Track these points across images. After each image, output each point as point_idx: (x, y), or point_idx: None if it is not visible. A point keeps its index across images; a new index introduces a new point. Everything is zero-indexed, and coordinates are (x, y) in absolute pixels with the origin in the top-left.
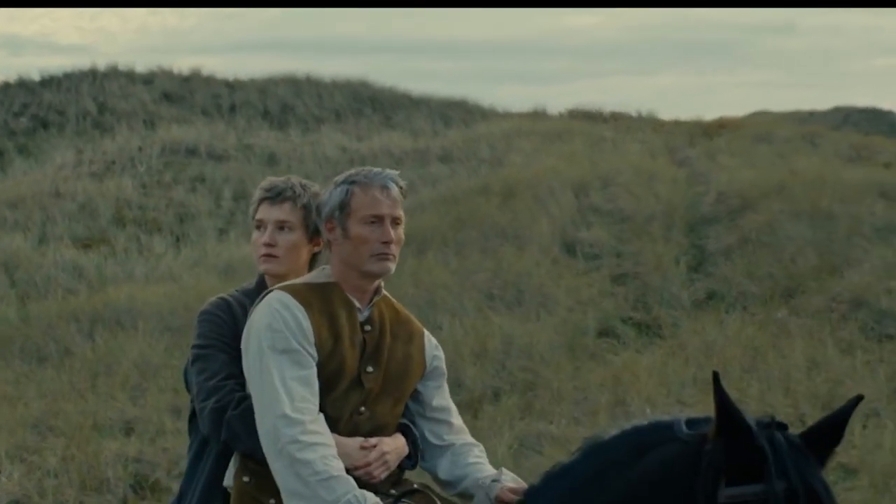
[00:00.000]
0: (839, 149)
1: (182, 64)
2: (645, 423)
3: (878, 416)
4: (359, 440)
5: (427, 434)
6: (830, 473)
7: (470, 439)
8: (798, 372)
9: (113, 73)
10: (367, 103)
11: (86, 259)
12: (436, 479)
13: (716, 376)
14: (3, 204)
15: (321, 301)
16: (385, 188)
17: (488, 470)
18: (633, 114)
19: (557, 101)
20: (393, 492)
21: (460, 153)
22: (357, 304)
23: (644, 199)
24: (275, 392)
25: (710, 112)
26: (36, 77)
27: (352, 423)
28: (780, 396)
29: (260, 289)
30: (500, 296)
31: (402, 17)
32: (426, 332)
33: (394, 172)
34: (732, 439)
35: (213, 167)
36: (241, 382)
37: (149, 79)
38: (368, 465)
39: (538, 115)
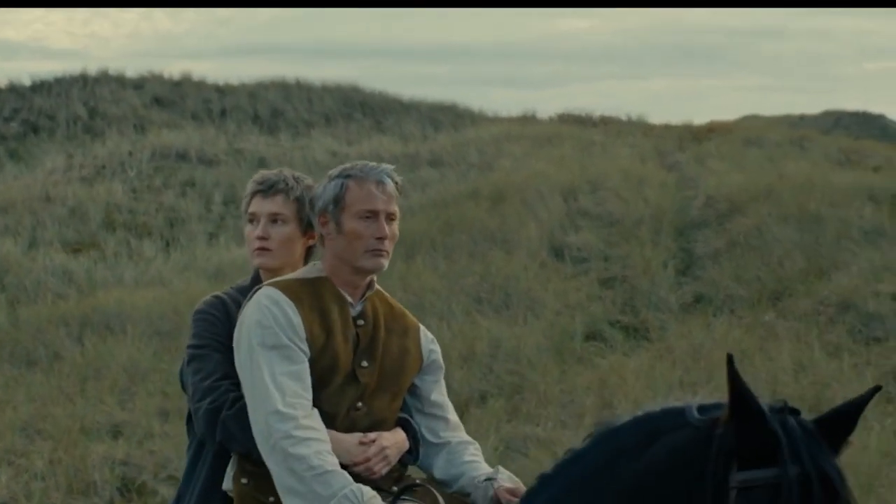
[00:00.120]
0: (829, 152)
1: (174, 69)
2: (657, 409)
3: (864, 418)
4: (357, 436)
5: (423, 431)
6: None
7: (465, 437)
8: (785, 375)
9: (103, 78)
10: (358, 108)
11: (75, 263)
12: (431, 477)
13: (730, 359)
14: None
15: (312, 296)
16: (380, 183)
17: (484, 468)
18: (623, 118)
19: (549, 105)
20: (395, 489)
21: (450, 157)
22: (349, 299)
23: (633, 202)
24: (266, 388)
25: (701, 116)
26: (27, 82)
27: (349, 418)
28: (766, 398)
29: (254, 285)
30: (487, 299)
31: (394, 21)
32: (421, 327)
33: (389, 167)
34: (745, 423)
35: (204, 172)
36: (237, 382)
37: (139, 84)
38: (368, 460)
39: (528, 120)
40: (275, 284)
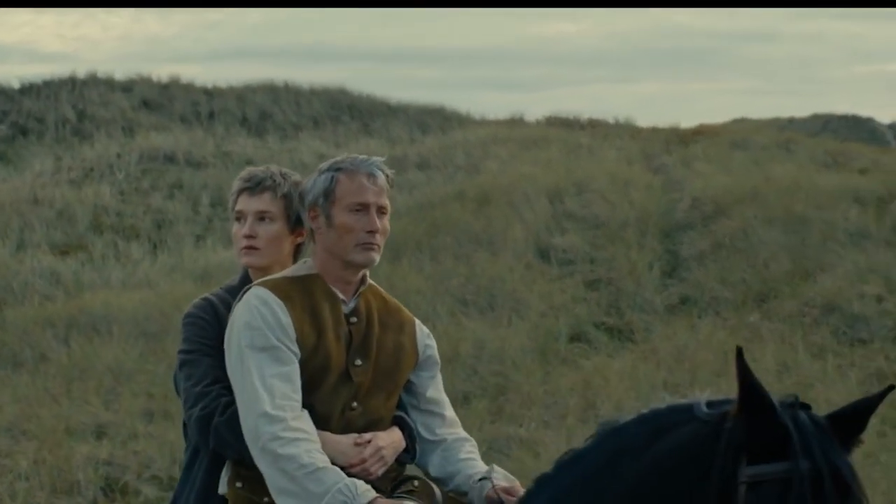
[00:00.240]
0: (815, 155)
1: (164, 71)
2: (663, 406)
3: None
4: (352, 436)
5: (420, 428)
6: None
7: (462, 433)
8: (769, 376)
9: (92, 81)
10: (345, 111)
11: (63, 266)
12: (427, 475)
13: (739, 352)
14: None
15: (302, 294)
16: (371, 175)
17: (480, 466)
18: (611, 121)
19: (539, 108)
20: (397, 494)
21: (437, 160)
22: (341, 296)
23: (619, 205)
24: (255, 391)
25: (691, 119)
26: (16, 85)
27: (344, 419)
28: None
29: (244, 284)
30: (473, 301)
31: (384, 24)
32: (417, 321)
33: (380, 159)
34: (755, 416)
35: (191, 174)
36: (228, 386)
37: (128, 86)
38: (364, 461)
39: (515, 123)
40: (264, 284)
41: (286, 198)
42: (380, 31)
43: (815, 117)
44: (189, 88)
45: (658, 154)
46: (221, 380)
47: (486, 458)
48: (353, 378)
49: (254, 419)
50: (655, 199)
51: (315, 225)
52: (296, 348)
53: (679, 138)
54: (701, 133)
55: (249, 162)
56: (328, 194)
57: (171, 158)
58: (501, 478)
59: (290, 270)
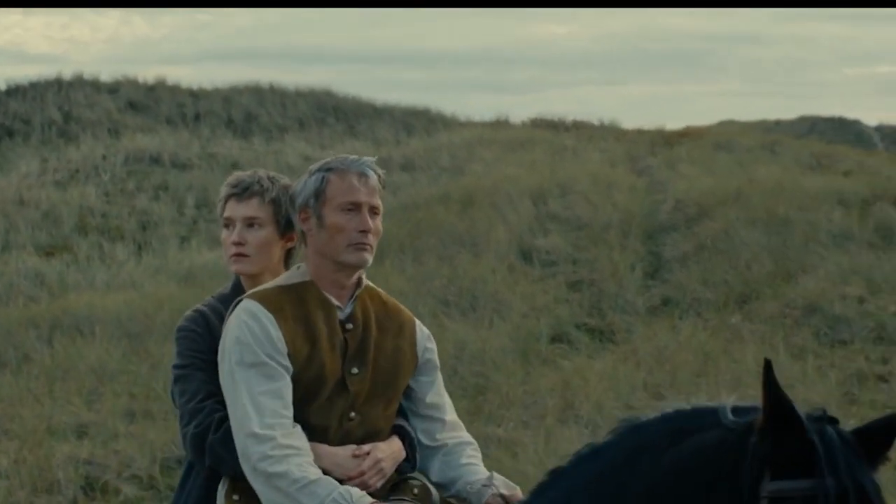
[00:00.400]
0: (800, 157)
1: (152, 73)
2: (687, 407)
3: None
4: (350, 448)
5: (419, 434)
6: None
7: (464, 437)
8: (749, 376)
9: (78, 83)
10: (331, 112)
11: (48, 267)
12: (429, 480)
13: (767, 364)
14: None
15: (295, 304)
16: (363, 175)
17: (480, 472)
18: (596, 123)
19: (526, 110)
20: (392, 497)
21: (422, 162)
22: (336, 302)
23: (602, 206)
24: (243, 410)
25: (680, 122)
26: (2, 86)
27: (342, 430)
28: (729, 400)
29: (235, 292)
30: (455, 302)
31: (376, 26)
32: (417, 322)
33: (371, 159)
34: (781, 430)
35: (177, 175)
36: (221, 400)
37: (114, 88)
38: (362, 474)
39: (500, 125)
40: (254, 296)
41: (274, 203)
42: (371, 32)
43: (802, 119)
44: (175, 90)
45: (642, 156)
46: (215, 394)
47: None
48: (349, 387)
49: (243, 439)
50: (639, 201)
51: (306, 227)
52: (287, 362)
53: (664, 140)
54: (686, 135)
55: (235, 164)
56: (319, 195)
57: (156, 160)
58: (502, 485)
59: (283, 278)
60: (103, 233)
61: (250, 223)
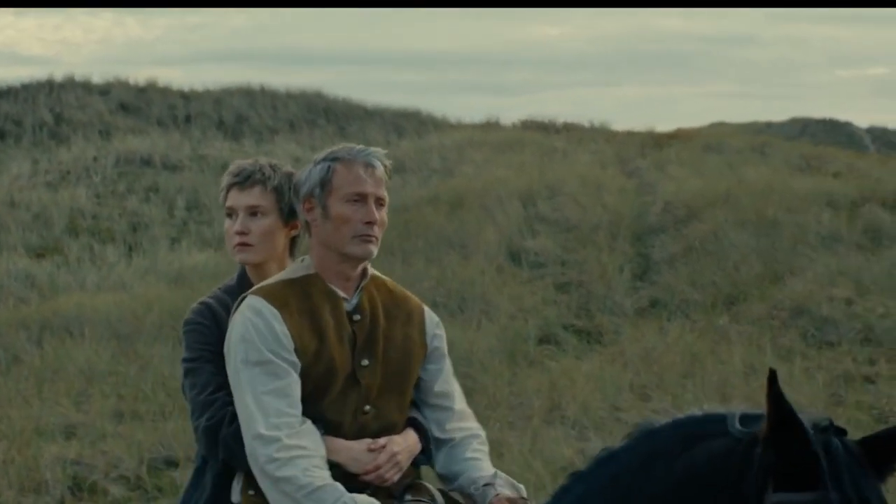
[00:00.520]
0: (790, 159)
1: (144, 75)
2: (699, 413)
3: None
4: (366, 442)
5: (428, 423)
6: None
7: (471, 428)
8: (735, 377)
9: (70, 84)
10: (321, 114)
11: (38, 268)
12: (435, 471)
13: (772, 374)
14: None
15: (300, 298)
16: (369, 166)
17: (484, 468)
18: (587, 124)
19: (520, 112)
20: (408, 497)
21: (412, 163)
22: (342, 294)
23: (591, 208)
24: (249, 410)
25: (672, 123)
26: None
27: (357, 424)
28: (715, 401)
29: (241, 282)
30: (443, 303)
31: (370, 27)
32: (426, 309)
33: (379, 150)
34: (785, 441)
35: (167, 177)
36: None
37: (105, 90)
38: (378, 468)
39: (491, 126)
40: (258, 292)
41: (277, 190)
42: (365, 34)
43: (794, 121)
44: (166, 92)
45: (632, 158)
46: (225, 386)
47: None
48: (360, 380)
49: (249, 440)
50: (628, 203)
51: (311, 217)
52: (294, 358)
53: (654, 142)
54: (676, 137)
55: (225, 165)
56: (324, 184)
57: (147, 162)
58: (505, 484)
59: (287, 272)
60: (94, 234)
61: (253, 212)
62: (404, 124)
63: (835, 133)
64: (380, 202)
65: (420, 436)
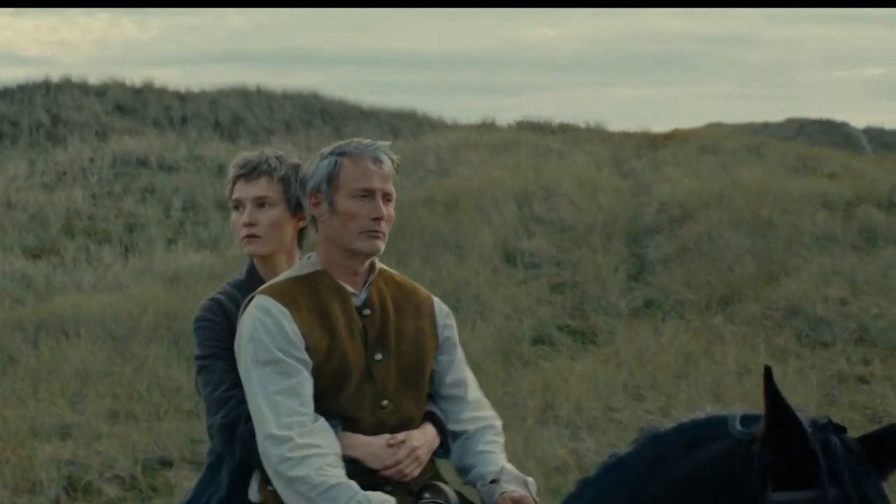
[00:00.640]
0: (786, 159)
1: (141, 76)
2: (703, 416)
3: None
4: (385, 437)
5: (442, 416)
6: None
7: (486, 418)
8: (729, 378)
9: (66, 85)
10: (317, 115)
11: (34, 269)
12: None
13: (768, 371)
14: None
15: (308, 295)
16: (377, 160)
17: (494, 462)
18: (582, 125)
19: (517, 113)
20: (427, 496)
21: (408, 164)
22: (350, 289)
23: (586, 209)
24: (260, 411)
25: (669, 124)
26: None
27: (375, 419)
28: (708, 401)
29: (250, 276)
30: None
31: (368, 28)
32: (436, 300)
33: (385, 144)
34: (782, 440)
35: (163, 178)
36: None
37: (101, 91)
38: (398, 463)
39: (487, 127)
40: (266, 291)
41: (284, 181)
42: (362, 34)
43: (790, 122)
44: (162, 93)
45: (628, 158)
46: (240, 383)
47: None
48: (375, 375)
49: (262, 441)
50: (623, 203)
51: (317, 212)
52: (304, 356)
53: (650, 143)
54: (672, 138)
55: (221, 166)
56: (331, 180)
57: (143, 162)
58: (512, 480)
59: (294, 269)
60: (90, 235)
61: (260, 203)
62: (400, 125)
63: (831, 133)
64: (387, 197)
65: (438, 430)
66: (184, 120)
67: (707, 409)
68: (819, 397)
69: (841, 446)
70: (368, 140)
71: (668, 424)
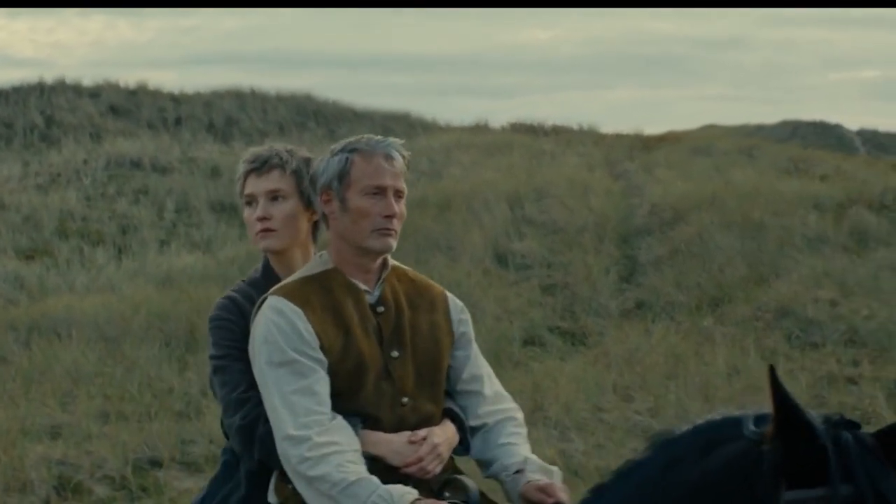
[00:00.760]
0: (777, 161)
1: (137, 77)
2: (717, 418)
3: None
4: (406, 434)
5: (461, 411)
6: None
7: (506, 410)
8: (718, 378)
9: (60, 87)
10: (311, 117)
11: (28, 270)
12: (472, 458)
13: (772, 369)
14: None
15: (321, 294)
16: (389, 157)
17: (517, 453)
18: (575, 127)
19: (511, 115)
20: (447, 494)
21: None
22: (363, 287)
23: (578, 210)
24: (277, 412)
25: (663, 126)
26: None
27: (396, 417)
28: (697, 402)
29: (266, 273)
30: None
31: (357, 31)
32: (449, 295)
33: (397, 141)
34: (791, 438)
35: (157, 180)
36: None
37: (95, 92)
38: (420, 460)
39: (480, 129)
40: (278, 291)
41: (296, 173)
42: (356, 36)
43: (784, 124)
44: (156, 94)
45: (620, 160)
46: (257, 384)
47: None
48: (392, 373)
49: (280, 442)
50: (615, 205)
51: (328, 209)
52: (320, 355)
53: (643, 144)
54: (665, 139)
55: (215, 168)
56: (342, 177)
57: (137, 164)
58: (537, 470)
59: (306, 269)
60: (84, 236)
61: (274, 196)
62: (393, 127)
63: (825, 136)
64: (399, 194)
65: (457, 427)
66: (178, 121)
67: (722, 411)
68: (808, 398)
69: (854, 442)
70: (379, 136)
71: (683, 427)
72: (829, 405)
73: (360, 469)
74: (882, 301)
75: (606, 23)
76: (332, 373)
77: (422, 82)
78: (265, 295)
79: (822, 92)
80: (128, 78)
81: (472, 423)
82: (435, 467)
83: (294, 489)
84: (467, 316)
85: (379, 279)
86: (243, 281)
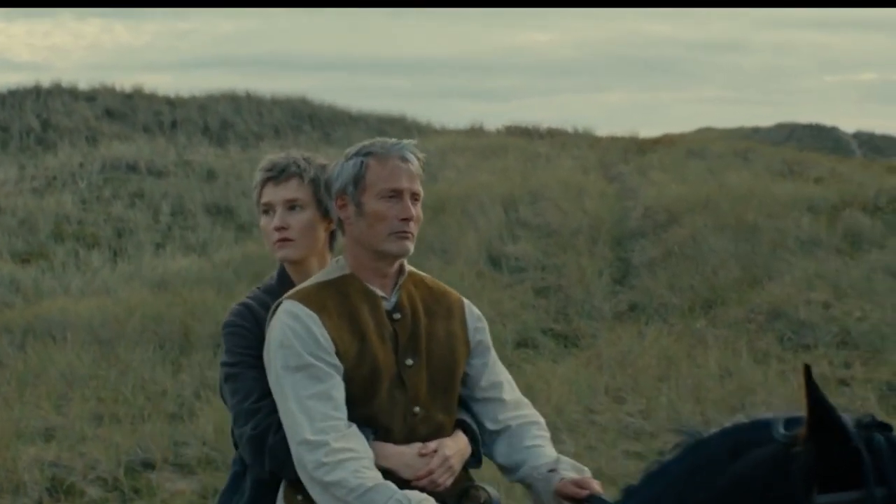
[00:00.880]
0: (772, 164)
1: (133, 81)
2: (746, 421)
3: None
4: (417, 446)
5: (481, 418)
6: None
7: (528, 415)
8: (710, 380)
9: (56, 91)
10: (306, 120)
11: (23, 273)
12: (495, 463)
13: (807, 370)
14: None
15: (337, 299)
16: (404, 159)
17: (546, 455)
18: (570, 130)
19: (508, 118)
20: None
21: None
22: (380, 293)
23: (572, 213)
24: (293, 417)
25: (659, 129)
26: None
27: (407, 427)
28: (689, 404)
29: (281, 282)
30: None
31: (353, 34)
32: (466, 302)
33: (412, 143)
34: (825, 441)
35: (152, 183)
36: None
37: (91, 96)
38: (431, 472)
39: (475, 132)
40: (294, 296)
41: (314, 182)
42: (351, 39)
43: (781, 126)
44: (152, 98)
45: (615, 163)
46: (269, 393)
47: None
48: (406, 381)
49: (295, 447)
50: (609, 208)
51: (344, 214)
52: (335, 360)
53: (637, 147)
54: (660, 142)
55: (210, 171)
56: (358, 181)
57: (132, 168)
58: (569, 468)
59: (322, 274)
60: (79, 240)
61: (291, 205)
62: (389, 130)
63: (821, 138)
64: (415, 197)
65: (469, 438)
66: (173, 125)
67: (750, 414)
68: (800, 400)
69: (887, 444)
70: (394, 139)
71: (711, 430)
72: None
73: (376, 475)
74: (875, 303)
75: (603, 26)
76: (347, 379)
77: (418, 85)
78: (280, 299)
79: (819, 94)
80: (124, 81)
81: (494, 427)
82: (446, 480)
83: (303, 500)
84: (484, 324)
85: (396, 285)
86: (258, 288)
